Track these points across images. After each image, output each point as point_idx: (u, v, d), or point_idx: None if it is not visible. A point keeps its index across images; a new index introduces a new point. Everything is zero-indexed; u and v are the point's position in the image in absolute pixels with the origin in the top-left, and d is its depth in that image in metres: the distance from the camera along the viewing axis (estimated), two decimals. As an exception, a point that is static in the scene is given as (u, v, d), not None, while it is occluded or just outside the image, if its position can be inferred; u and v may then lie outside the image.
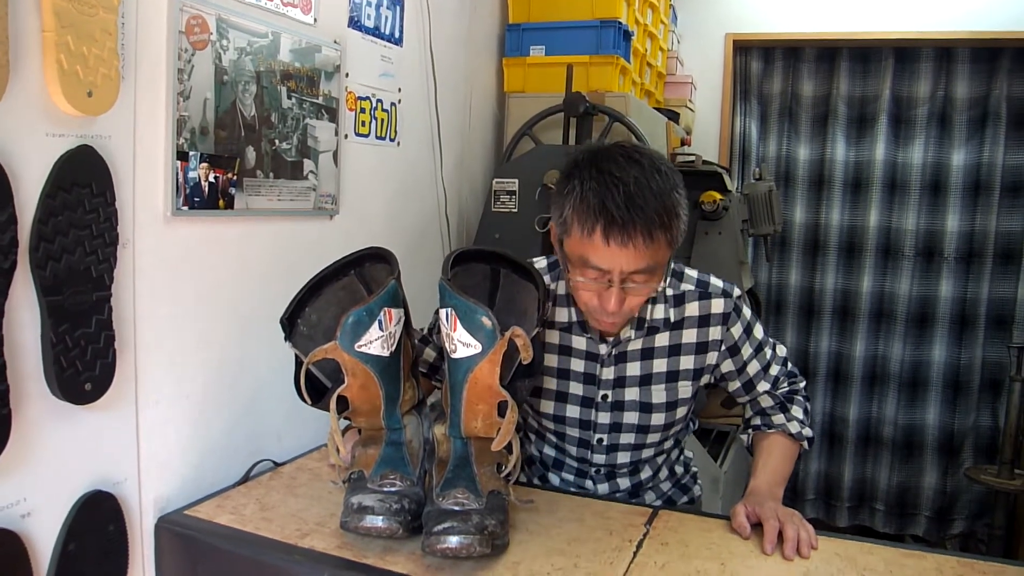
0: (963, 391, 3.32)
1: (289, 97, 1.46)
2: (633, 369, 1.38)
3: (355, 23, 1.67)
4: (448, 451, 1.15)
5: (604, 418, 1.40)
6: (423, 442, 1.20)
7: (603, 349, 1.37)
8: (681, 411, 1.42)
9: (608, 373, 1.38)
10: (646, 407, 1.39)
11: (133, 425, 1.20)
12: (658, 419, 1.40)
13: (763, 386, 1.41)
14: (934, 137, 3.28)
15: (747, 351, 1.39)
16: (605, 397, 1.39)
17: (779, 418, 1.40)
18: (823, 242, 3.41)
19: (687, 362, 1.37)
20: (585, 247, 1.18)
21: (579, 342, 1.38)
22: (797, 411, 1.41)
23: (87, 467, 1.13)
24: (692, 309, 1.36)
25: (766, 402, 1.41)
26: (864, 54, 3.32)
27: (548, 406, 1.42)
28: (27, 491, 1.03)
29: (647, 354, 1.37)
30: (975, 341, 3.29)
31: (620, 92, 2.36)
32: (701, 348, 1.37)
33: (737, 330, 1.37)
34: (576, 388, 1.40)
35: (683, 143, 2.76)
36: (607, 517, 1.26)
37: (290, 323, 1.19)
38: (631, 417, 1.40)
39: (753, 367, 1.40)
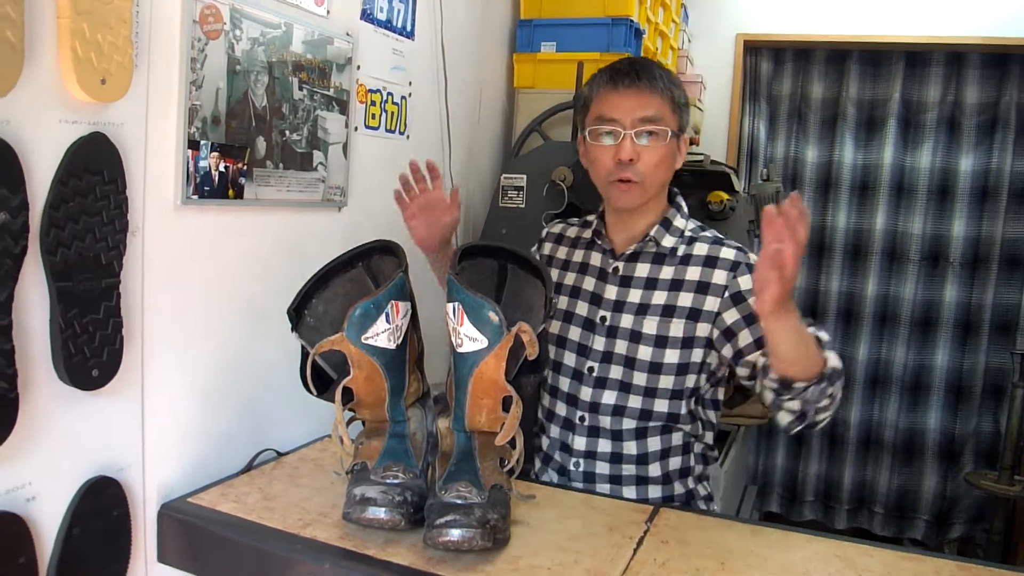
0: (965, 396, 3.32)
1: (300, 88, 1.46)
2: (634, 296, 1.45)
3: (367, 16, 1.67)
4: (451, 444, 1.15)
5: (599, 344, 1.46)
6: (427, 435, 1.21)
7: (612, 264, 1.47)
8: (670, 356, 1.40)
9: (611, 292, 1.46)
10: (635, 336, 1.43)
11: (139, 412, 1.20)
12: (645, 353, 1.42)
13: None
14: (943, 142, 3.27)
15: None
16: (603, 319, 1.46)
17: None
18: (829, 244, 3.41)
19: (685, 299, 1.41)
20: (598, 104, 1.38)
21: (595, 258, 1.50)
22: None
23: (92, 452, 1.13)
24: (701, 249, 1.44)
25: None
26: (874, 57, 3.31)
27: (555, 326, 1.49)
28: (33, 475, 1.04)
29: (650, 284, 1.44)
30: (978, 347, 3.29)
31: (630, 90, 2.35)
32: (702, 288, 1.40)
33: (745, 282, 1.37)
34: (581, 308, 1.49)
35: (692, 142, 2.76)
36: (608, 513, 1.26)
37: (297, 314, 1.19)
38: (621, 347, 1.44)
39: None
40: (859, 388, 3.40)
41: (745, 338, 1.36)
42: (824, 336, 1.26)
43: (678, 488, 1.49)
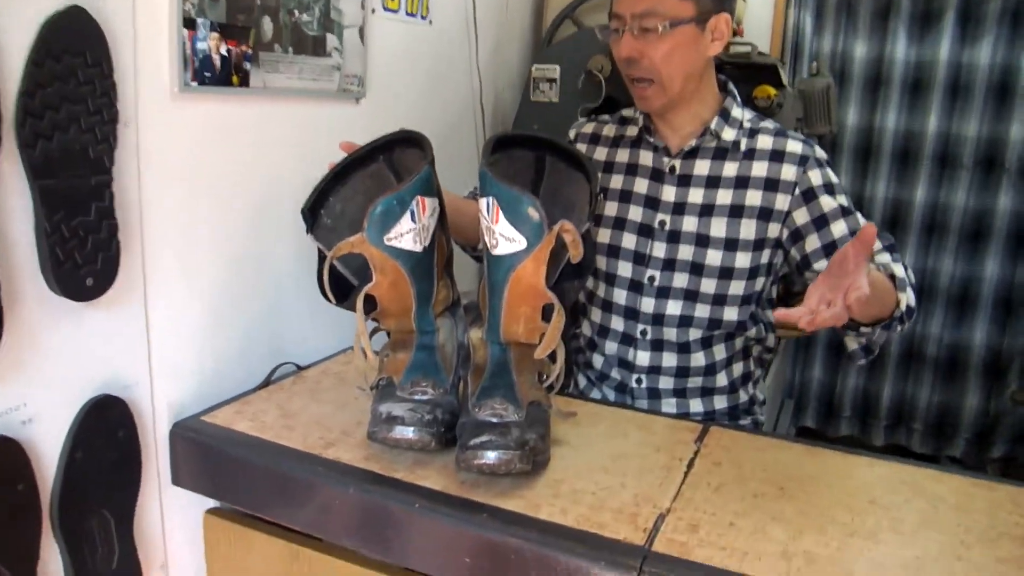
0: (1015, 311, 3.18)
1: (310, -39, 1.30)
2: (695, 196, 1.33)
3: None
4: (485, 357, 1.05)
5: (659, 250, 1.35)
6: (457, 347, 1.11)
7: (668, 162, 1.34)
8: (741, 259, 1.31)
9: (669, 193, 1.34)
10: (703, 240, 1.32)
11: (143, 324, 1.11)
12: (714, 258, 1.32)
13: None
14: (1005, 36, 3.03)
15: (828, 205, 1.28)
16: (663, 224, 1.35)
17: (884, 257, 1.22)
18: (876, 148, 3.22)
19: (754, 197, 1.30)
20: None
21: (646, 157, 1.38)
22: (910, 275, 1.21)
23: (93, 370, 1.04)
24: (765, 143, 1.32)
25: (875, 245, 1.22)
26: (935, -59, 3.05)
27: (605, 235, 1.39)
28: (27, 396, 0.95)
29: (712, 182, 1.32)
30: (1032, 258, 3.13)
31: (671, -26, 2.17)
32: (771, 185, 1.30)
33: (816, 177, 1.29)
34: (635, 213, 1.37)
35: (735, 33, 2.57)
36: (653, 432, 1.17)
37: (312, 214, 1.08)
38: (686, 252, 1.33)
39: (839, 227, 1.27)
40: (903, 301, 3.26)
41: (813, 243, 1.28)
42: (900, 273, 1.18)
43: (742, 396, 1.44)
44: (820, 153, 1.32)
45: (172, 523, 1.18)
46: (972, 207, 3.17)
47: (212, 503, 1.18)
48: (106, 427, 1.04)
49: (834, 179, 1.31)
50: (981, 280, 3.20)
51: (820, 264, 1.27)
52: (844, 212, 1.28)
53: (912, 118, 3.20)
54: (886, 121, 3.20)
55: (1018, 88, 3.04)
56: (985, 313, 3.21)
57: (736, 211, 1.31)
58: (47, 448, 0.98)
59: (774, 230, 1.31)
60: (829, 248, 1.26)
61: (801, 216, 1.29)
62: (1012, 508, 0.99)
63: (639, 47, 1.25)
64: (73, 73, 0.93)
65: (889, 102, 3.19)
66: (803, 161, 1.30)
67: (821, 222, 1.27)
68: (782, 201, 1.29)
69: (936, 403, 3.31)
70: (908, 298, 1.18)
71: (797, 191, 1.29)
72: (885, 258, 1.22)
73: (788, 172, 1.29)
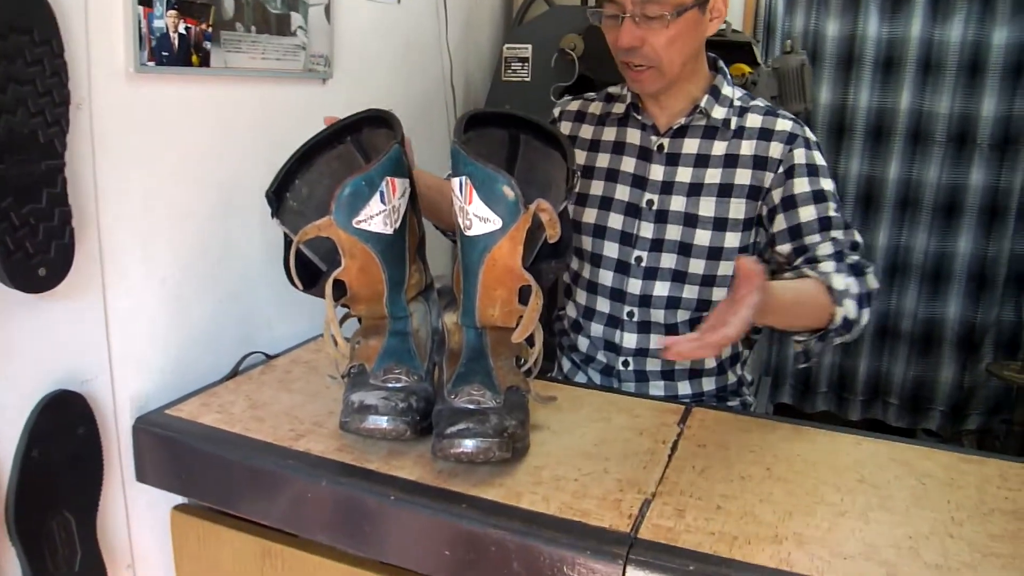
0: (988, 285, 3.20)
1: (270, -65, 1.25)
2: (684, 175, 1.30)
3: None
4: (460, 342, 1.02)
5: (647, 230, 1.32)
6: (431, 332, 1.08)
7: (656, 140, 1.33)
8: (731, 239, 1.29)
9: (657, 172, 1.32)
10: (691, 220, 1.30)
11: (101, 315, 1.06)
12: (702, 238, 1.29)
13: (814, 239, 1.23)
14: (976, 13, 3.04)
15: (802, 187, 1.25)
16: (651, 203, 1.32)
17: (827, 265, 1.18)
18: (849, 125, 3.21)
19: (743, 176, 1.28)
20: None
21: (633, 135, 1.35)
22: (854, 285, 1.16)
23: (49, 364, 1.00)
24: (755, 121, 1.30)
25: (824, 250, 1.20)
26: (905, -83, 3.04)
27: (591, 214, 1.37)
28: (-22, 392, 0.91)
29: (702, 161, 1.30)
30: (1004, 233, 3.15)
31: (643, -50, 2.13)
32: (759, 163, 1.28)
33: (800, 156, 1.27)
34: (622, 192, 1.34)
35: (708, 12, 2.55)
36: (636, 415, 1.15)
37: (277, 197, 1.04)
38: (674, 232, 1.31)
39: (807, 212, 1.24)
40: (878, 276, 3.27)
41: (780, 223, 1.27)
42: (839, 285, 1.14)
43: (731, 377, 1.42)
44: (810, 134, 1.30)
45: (138, 521, 1.14)
46: (945, 183, 3.19)
47: (179, 499, 1.14)
48: (64, 424, 1.00)
49: (819, 161, 1.27)
50: (954, 255, 3.22)
51: (784, 247, 1.25)
52: (816, 197, 1.24)
53: (885, 95, 3.20)
54: (859, 99, 3.21)
55: (989, 65, 3.05)
56: (959, 287, 3.24)
57: (725, 190, 1.28)
58: (1, 447, 0.94)
59: (757, 209, 1.29)
60: (794, 231, 1.24)
61: (778, 194, 1.26)
62: (1001, 483, 0.98)
63: (641, 35, 1.20)
64: (20, 52, 0.88)
65: (862, 80, 3.19)
66: (791, 139, 1.27)
67: (790, 203, 1.25)
68: (768, 179, 1.27)
69: (911, 377, 3.33)
70: (846, 311, 1.13)
71: (780, 169, 1.26)
72: (829, 267, 1.18)
73: (775, 150, 1.27)
